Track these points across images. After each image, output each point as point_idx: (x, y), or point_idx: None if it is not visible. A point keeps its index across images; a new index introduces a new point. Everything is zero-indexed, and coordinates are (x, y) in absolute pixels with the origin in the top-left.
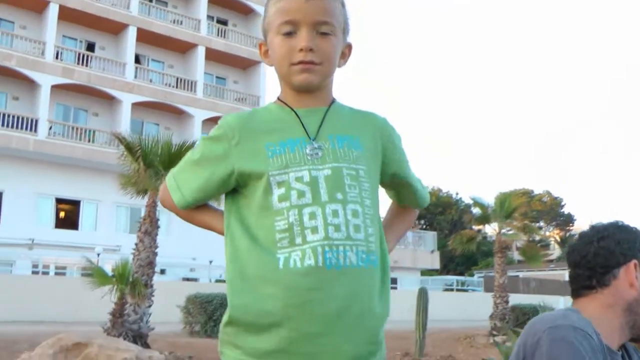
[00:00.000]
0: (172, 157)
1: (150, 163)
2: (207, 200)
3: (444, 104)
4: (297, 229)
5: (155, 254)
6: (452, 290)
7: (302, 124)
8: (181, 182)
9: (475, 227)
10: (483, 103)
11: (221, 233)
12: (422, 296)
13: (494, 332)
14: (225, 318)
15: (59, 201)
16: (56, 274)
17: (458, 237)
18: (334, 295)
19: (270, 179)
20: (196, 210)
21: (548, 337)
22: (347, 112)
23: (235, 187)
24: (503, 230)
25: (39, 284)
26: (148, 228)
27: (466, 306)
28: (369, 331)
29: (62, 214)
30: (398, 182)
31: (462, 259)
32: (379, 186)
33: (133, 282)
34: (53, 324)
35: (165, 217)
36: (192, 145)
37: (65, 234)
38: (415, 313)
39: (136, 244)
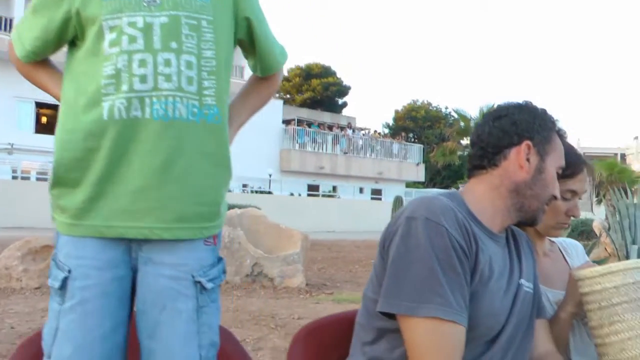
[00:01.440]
0: None
1: None
2: (48, 51)
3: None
4: (125, 75)
5: None
6: None
7: None
8: (22, 33)
9: (463, 142)
10: (490, 13)
11: (57, 97)
12: (397, 205)
13: None
14: (50, 179)
15: (39, 105)
16: (37, 179)
17: (440, 149)
18: (159, 149)
19: (103, 24)
20: (38, 67)
21: (402, 230)
22: None
23: (74, 40)
24: None
25: (18, 190)
26: None
27: None
28: (197, 190)
29: (43, 119)
30: (251, 37)
31: (448, 172)
32: (234, 44)
33: None
34: (32, 229)
35: None
36: None
37: (47, 139)
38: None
39: None
